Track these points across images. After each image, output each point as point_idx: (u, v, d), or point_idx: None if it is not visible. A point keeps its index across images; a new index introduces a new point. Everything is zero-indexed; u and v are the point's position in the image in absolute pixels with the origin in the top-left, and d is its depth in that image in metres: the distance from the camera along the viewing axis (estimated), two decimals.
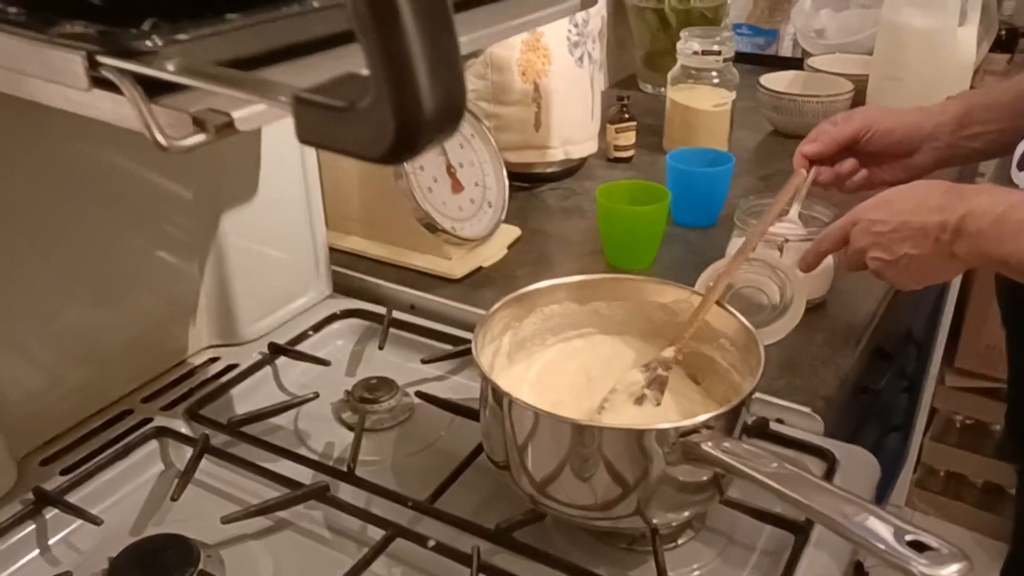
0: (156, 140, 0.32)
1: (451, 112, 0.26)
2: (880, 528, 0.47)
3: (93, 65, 0.33)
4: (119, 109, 0.34)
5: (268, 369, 0.85)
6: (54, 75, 0.34)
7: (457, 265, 1.00)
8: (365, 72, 0.27)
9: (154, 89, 0.33)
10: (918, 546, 0.46)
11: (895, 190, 0.74)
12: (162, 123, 0.33)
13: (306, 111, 0.27)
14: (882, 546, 0.46)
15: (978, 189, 0.69)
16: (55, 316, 0.72)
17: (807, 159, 0.86)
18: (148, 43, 0.32)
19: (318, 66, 0.37)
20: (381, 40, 0.24)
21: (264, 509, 0.66)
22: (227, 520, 0.65)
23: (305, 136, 0.28)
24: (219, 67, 0.32)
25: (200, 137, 0.33)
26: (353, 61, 0.31)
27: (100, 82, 0.33)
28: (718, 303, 0.70)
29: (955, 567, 0.44)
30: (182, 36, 0.33)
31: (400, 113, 0.25)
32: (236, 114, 0.33)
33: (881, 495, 1.69)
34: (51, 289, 0.71)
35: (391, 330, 0.90)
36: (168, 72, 0.32)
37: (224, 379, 0.82)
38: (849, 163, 0.86)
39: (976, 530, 1.92)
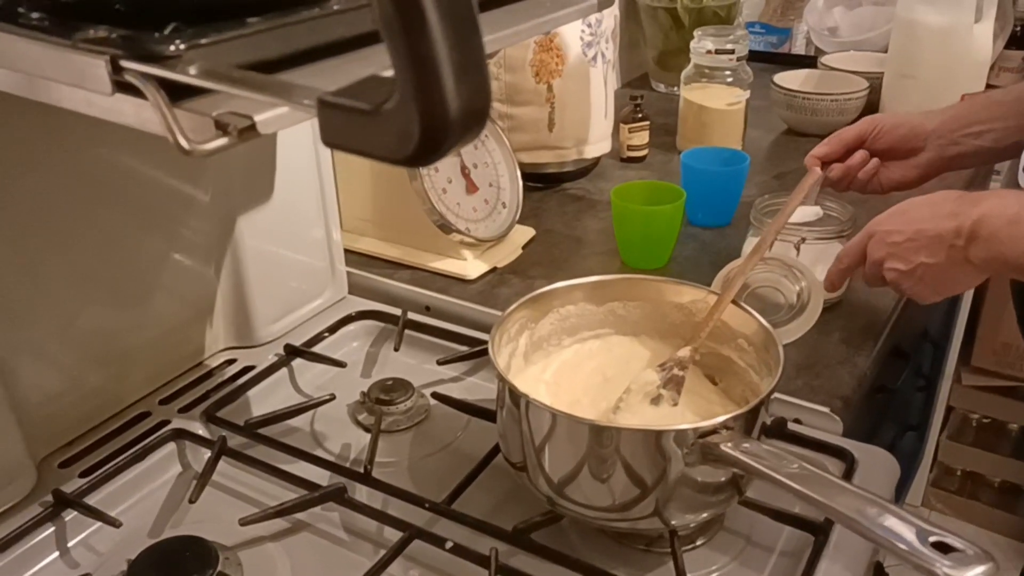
0: (179, 144, 0.32)
1: (476, 114, 0.26)
2: (903, 529, 0.47)
3: (116, 70, 0.33)
4: (142, 113, 0.34)
5: (284, 371, 0.85)
6: (78, 80, 0.34)
7: (472, 266, 1.00)
8: (388, 74, 0.27)
9: (176, 93, 0.33)
10: (942, 547, 0.45)
11: (909, 201, 0.74)
12: (185, 127, 0.33)
13: (331, 114, 0.27)
14: (905, 547, 0.46)
15: (991, 193, 0.69)
16: (74, 319, 0.73)
17: (818, 159, 0.88)
18: (171, 47, 0.32)
19: (339, 69, 0.37)
20: (407, 42, 0.24)
21: (281, 511, 0.66)
22: (245, 522, 0.65)
23: (330, 139, 0.28)
24: (242, 70, 0.32)
25: (222, 140, 0.33)
26: (374, 63, 0.31)
27: (123, 87, 0.33)
28: (734, 302, 0.70)
29: (980, 568, 0.43)
30: (204, 40, 0.33)
31: (426, 115, 0.25)
32: (258, 117, 0.33)
33: (898, 495, 1.68)
34: (70, 292, 0.72)
35: (406, 331, 0.90)
36: (191, 76, 0.32)
37: (241, 381, 0.83)
38: (859, 155, 0.87)
39: (993, 530, 1.90)
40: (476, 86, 0.26)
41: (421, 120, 0.25)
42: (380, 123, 0.26)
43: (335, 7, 0.37)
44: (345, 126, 0.27)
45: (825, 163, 0.88)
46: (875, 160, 0.87)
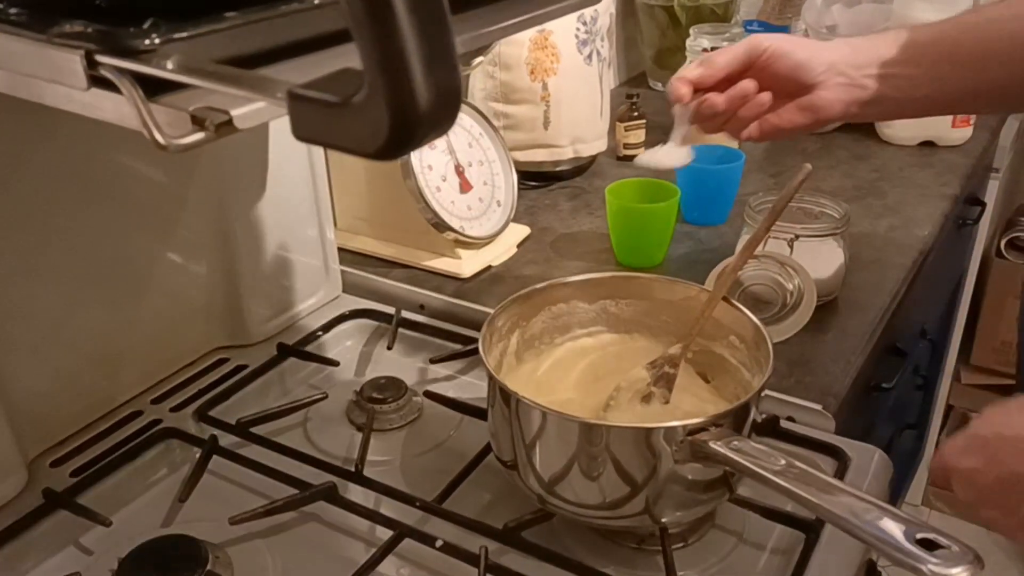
0: (155, 139, 0.32)
1: (447, 106, 0.26)
2: (890, 526, 0.47)
3: (92, 64, 0.33)
4: (119, 108, 0.34)
5: (277, 369, 0.85)
6: (54, 75, 0.34)
7: (466, 264, 1.00)
8: (360, 67, 0.26)
9: (153, 88, 0.33)
10: (929, 544, 0.45)
11: (986, 421, 0.57)
12: (161, 122, 0.33)
13: (301, 107, 0.27)
14: (892, 544, 0.46)
15: None
16: (66, 318, 0.73)
17: (689, 84, 0.69)
18: (147, 42, 0.32)
19: (318, 63, 0.36)
20: (374, 34, 0.24)
21: (272, 509, 0.66)
22: (236, 521, 0.65)
23: (301, 132, 0.28)
24: (217, 65, 0.32)
25: (199, 135, 0.33)
26: (354, 58, 0.30)
27: (99, 81, 0.33)
28: (727, 300, 0.69)
29: (966, 566, 0.43)
30: (181, 34, 0.33)
31: (394, 108, 0.25)
32: (235, 112, 0.33)
33: (896, 494, 1.68)
34: (62, 291, 0.72)
35: (400, 330, 0.90)
36: (166, 70, 0.32)
37: (233, 380, 0.82)
38: (744, 85, 0.68)
39: None
40: (445, 79, 0.25)
41: (390, 113, 0.25)
42: (350, 116, 0.26)
43: (315, 1, 0.37)
44: (316, 119, 0.27)
45: (698, 90, 0.69)
46: (766, 94, 0.69)
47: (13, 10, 0.35)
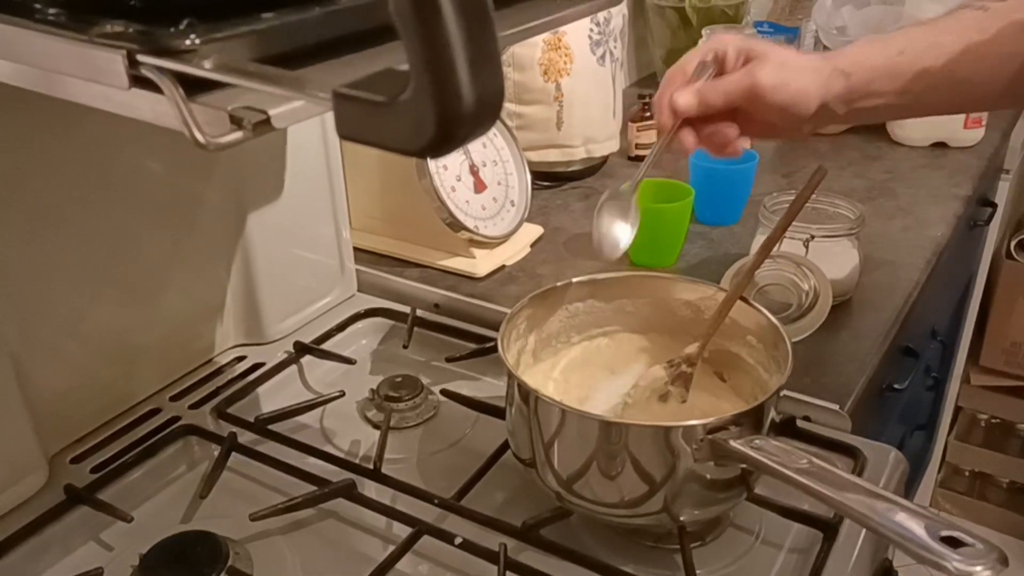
0: (195, 138, 0.33)
1: (490, 105, 0.26)
2: (912, 524, 0.47)
3: (133, 64, 0.33)
4: (157, 108, 0.34)
5: (294, 368, 0.86)
6: (94, 75, 0.34)
7: (480, 264, 1.01)
8: (403, 67, 0.27)
9: (192, 87, 0.34)
10: (952, 542, 0.45)
11: None
12: (200, 121, 0.33)
13: (346, 106, 0.28)
14: (915, 542, 0.46)
15: None
16: (85, 316, 0.73)
17: (674, 116, 0.66)
18: (187, 42, 0.32)
19: (353, 64, 0.37)
20: (423, 34, 0.24)
21: (291, 506, 0.67)
22: (255, 517, 0.65)
23: (345, 131, 0.28)
24: (257, 64, 0.32)
25: (237, 134, 0.33)
26: (389, 58, 0.31)
27: (139, 81, 0.34)
28: (743, 299, 0.70)
29: (991, 563, 0.43)
30: (219, 34, 0.33)
31: (440, 106, 0.25)
32: (272, 111, 0.33)
33: (906, 495, 1.68)
34: (82, 289, 0.72)
35: (415, 329, 0.90)
36: (206, 70, 0.32)
37: (251, 378, 0.83)
38: (726, 131, 0.67)
39: (1002, 530, 1.90)
40: (490, 78, 0.26)
41: (436, 111, 0.25)
42: (395, 115, 0.26)
43: (348, 3, 0.37)
44: (360, 118, 0.27)
45: (685, 120, 0.66)
46: (744, 140, 0.68)
47: (52, 10, 0.35)
